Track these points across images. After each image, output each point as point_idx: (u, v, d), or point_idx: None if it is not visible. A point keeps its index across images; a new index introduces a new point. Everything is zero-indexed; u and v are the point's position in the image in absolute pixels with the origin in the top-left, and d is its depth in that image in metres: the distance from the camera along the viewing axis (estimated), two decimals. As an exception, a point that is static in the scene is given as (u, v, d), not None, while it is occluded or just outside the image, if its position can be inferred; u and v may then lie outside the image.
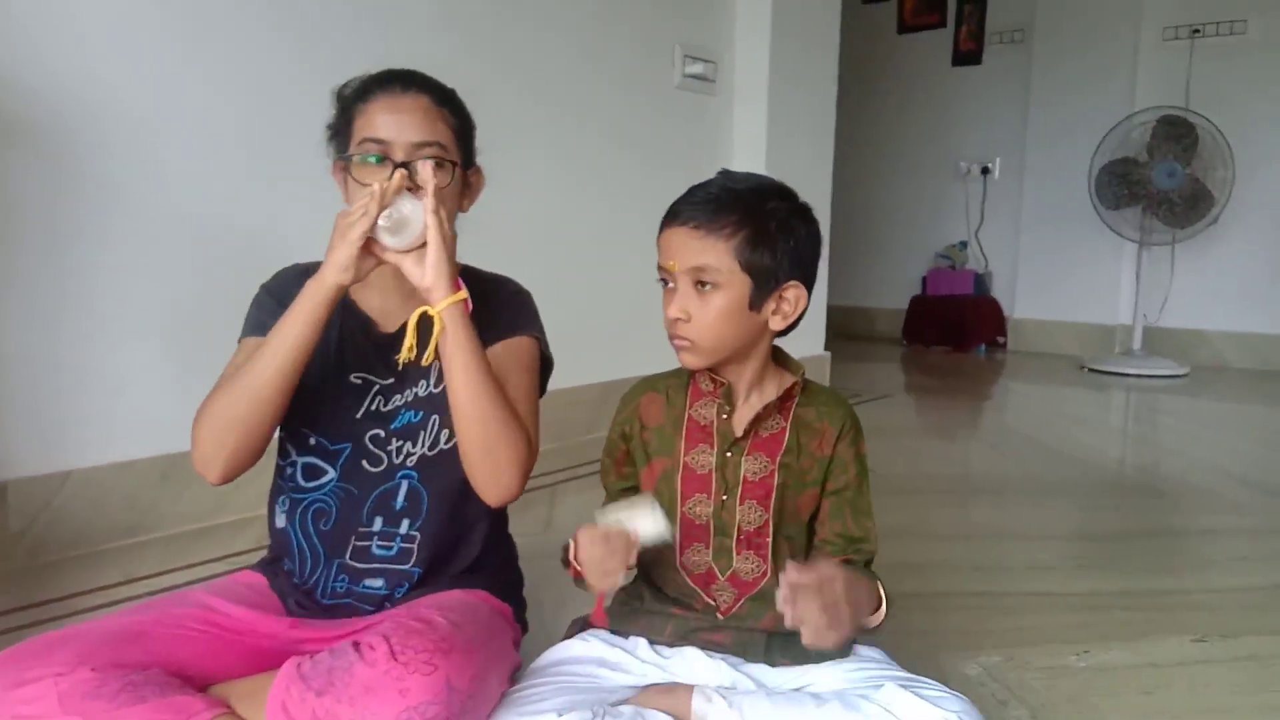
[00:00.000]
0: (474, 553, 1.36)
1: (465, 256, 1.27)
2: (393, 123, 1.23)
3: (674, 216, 1.20)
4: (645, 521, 1.12)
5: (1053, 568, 2.05)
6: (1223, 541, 2.27)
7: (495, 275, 1.40)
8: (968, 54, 5.96)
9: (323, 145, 1.32)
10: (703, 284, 1.18)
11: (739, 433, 1.24)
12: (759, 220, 1.18)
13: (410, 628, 1.09)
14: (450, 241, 1.19)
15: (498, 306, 1.35)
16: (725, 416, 1.25)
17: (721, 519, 1.25)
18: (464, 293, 1.20)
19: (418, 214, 1.16)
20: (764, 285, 1.19)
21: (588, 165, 3.14)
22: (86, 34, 1.94)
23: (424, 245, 1.17)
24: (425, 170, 1.20)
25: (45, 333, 1.94)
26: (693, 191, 1.22)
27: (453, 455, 1.27)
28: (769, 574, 1.25)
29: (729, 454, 1.25)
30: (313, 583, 1.31)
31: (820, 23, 3.99)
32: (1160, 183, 4.65)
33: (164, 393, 2.10)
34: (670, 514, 1.24)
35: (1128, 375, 4.79)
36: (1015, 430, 3.79)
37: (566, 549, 1.22)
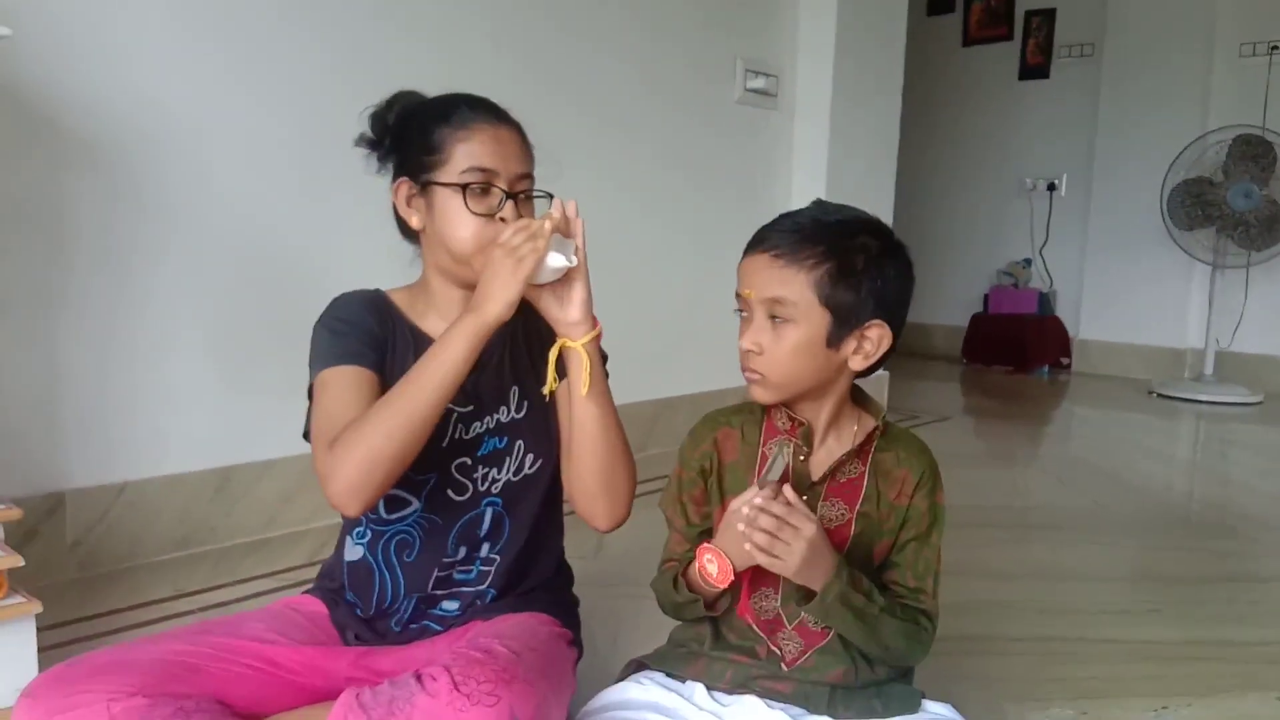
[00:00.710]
0: (545, 574, 1.37)
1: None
2: (498, 154, 1.24)
3: (758, 243, 1.15)
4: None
5: (1122, 612, 1.96)
6: (1305, 588, 2.17)
7: None
8: (1035, 68, 5.83)
9: (363, 159, 1.32)
10: (777, 317, 1.13)
11: (816, 477, 1.19)
12: (845, 255, 1.12)
13: (471, 658, 1.07)
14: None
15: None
16: (803, 459, 1.19)
17: None
18: (600, 327, 1.22)
19: (560, 262, 1.17)
20: (845, 323, 1.13)
21: (642, 180, 3.11)
22: (142, 58, 1.95)
23: (556, 280, 1.19)
24: (571, 208, 1.20)
25: (102, 348, 1.95)
26: (781, 219, 1.17)
27: (535, 479, 1.32)
28: None
29: (804, 498, 1.19)
30: (390, 617, 1.30)
31: (885, 36, 3.93)
32: (1236, 204, 4.50)
33: (215, 408, 2.10)
34: (738, 560, 1.20)
35: (1198, 402, 4.63)
36: (1079, 459, 3.67)
37: None
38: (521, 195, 1.26)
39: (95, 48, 1.88)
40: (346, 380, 1.20)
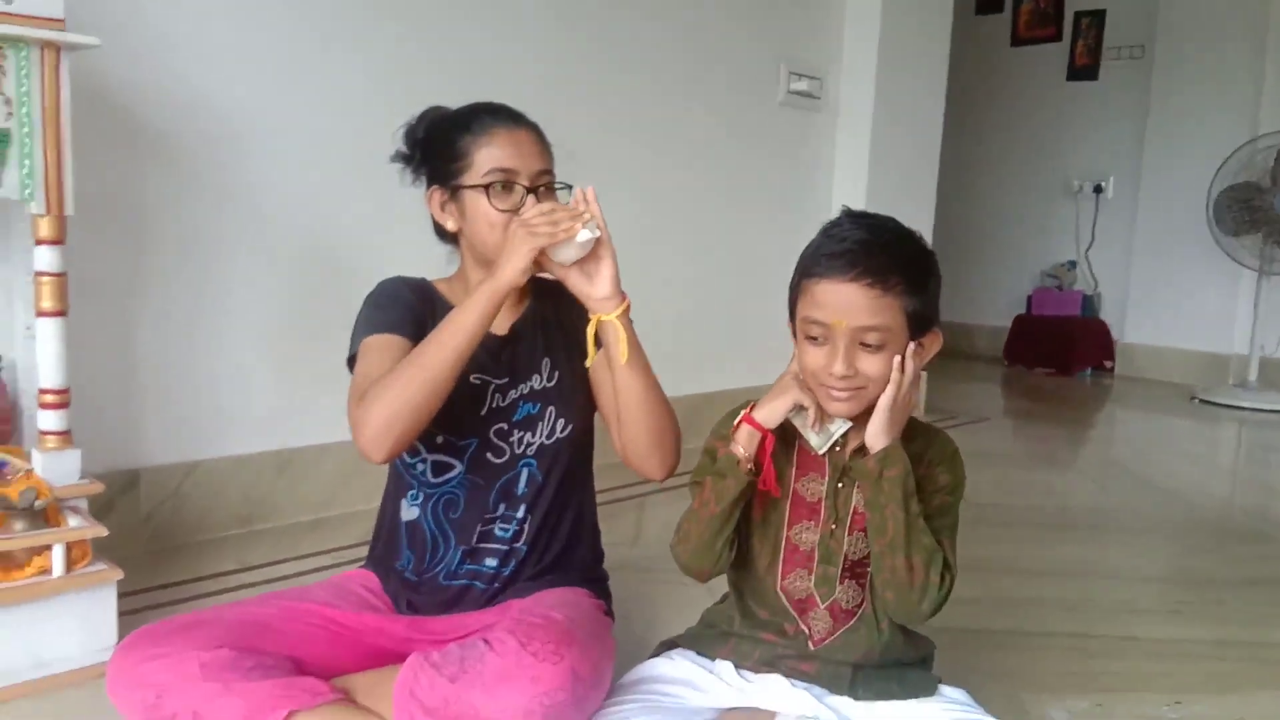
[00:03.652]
0: (568, 532, 1.47)
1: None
2: (517, 154, 1.36)
3: (835, 271, 1.16)
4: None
5: (1146, 611, 2.01)
6: (1331, 594, 2.19)
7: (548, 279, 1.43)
8: (1084, 69, 5.81)
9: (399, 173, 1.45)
10: (868, 341, 1.16)
11: (849, 458, 1.25)
12: (918, 272, 1.19)
13: (532, 623, 1.18)
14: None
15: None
16: (839, 449, 1.27)
17: (829, 547, 1.27)
18: (629, 300, 1.32)
19: (586, 235, 1.27)
20: (916, 335, 1.20)
21: (685, 180, 3.18)
22: (217, 61, 2.08)
23: (581, 260, 1.30)
24: (590, 193, 1.31)
25: (176, 334, 2.08)
26: (839, 240, 1.18)
27: (566, 442, 1.44)
28: (866, 603, 1.28)
29: (840, 484, 1.27)
30: (438, 567, 1.41)
31: (930, 38, 3.96)
32: (1284, 210, 4.47)
33: (279, 391, 2.23)
34: (775, 538, 1.28)
35: (1241, 409, 4.60)
36: (1117, 462, 3.69)
37: None
38: (542, 189, 1.37)
39: (176, 52, 2.01)
40: (384, 346, 1.32)
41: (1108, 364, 5.59)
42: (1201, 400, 4.78)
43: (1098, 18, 5.73)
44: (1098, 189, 5.68)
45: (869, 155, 3.71)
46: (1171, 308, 5.37)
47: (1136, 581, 2.21)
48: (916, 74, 3.90)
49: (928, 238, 4.14)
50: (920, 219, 3.93)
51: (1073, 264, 5.79)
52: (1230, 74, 5.10)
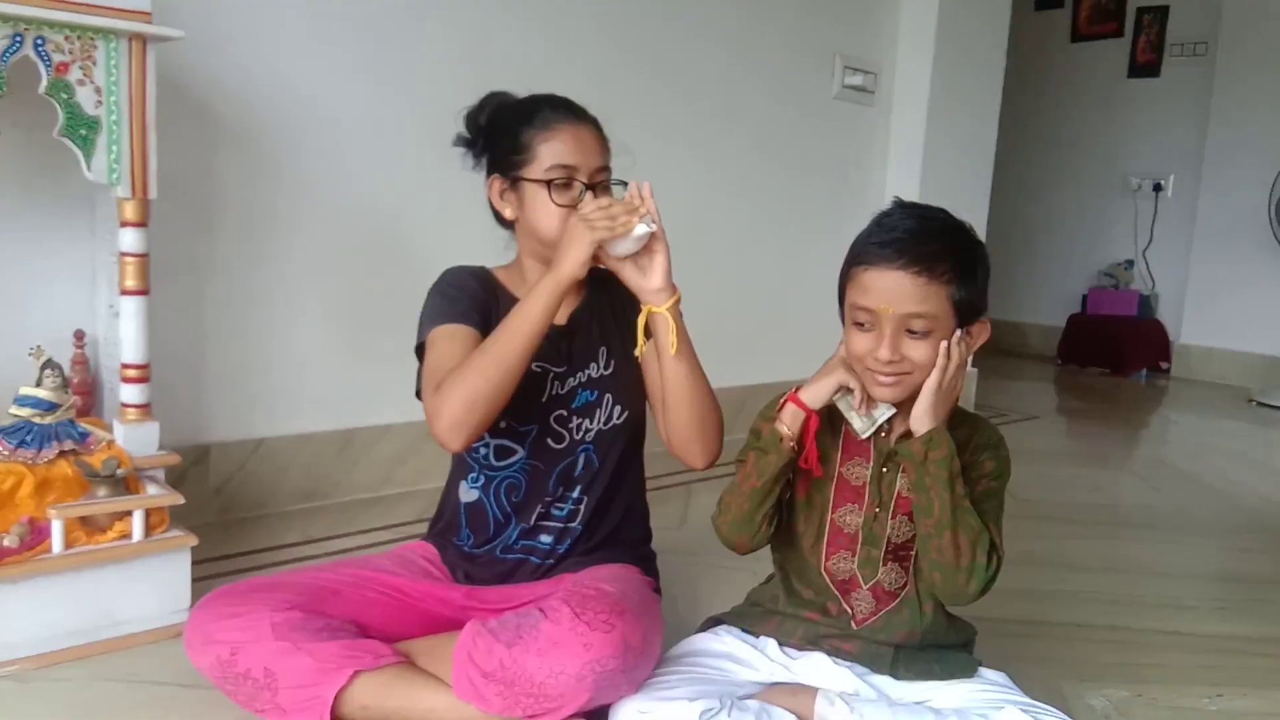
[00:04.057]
0: (620, 513, 1.52)
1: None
2: (578, 150, 1.40)
3: (884, 259, 1.20)
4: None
5: (1192, 608, 2.01)
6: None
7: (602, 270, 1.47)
8: (1145, 65, 5.72)
9: (461, 156, 1.50)
10: (915, 328, 1.20)
11: (894, 444, 1.29)
12: (966, 261, 1.22)
13: (586, 594, 1.24)
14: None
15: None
16: (884, 434, 1.31)
17: (872, 530, 1.31)
18: (679, 293, 1.37)
19: (643, 230, 1.32)
20: (964, 322, 1.23)
21: (736, 171, 3.21)
22: (283, 49, 2.15)
23: (635, 254, 1.35)
24: (646, 189, 1.35)
25: (242, 316, 2.16)
26: (890, 229, 1.22)
27: (622, 428, 1.49)
28: (910, 585, 1.31)
29: (885, 469, 1.31)
30: (495, 542, 1.47)
31: (987, 34, 3.93)
32: (1350, 210, 4.38)
33: (341, 372, 2.31)
34: (820, 520, 1.32)
35: (1299, 412, 4.53)
36: (1169, 463, 3.66)
37: None
38: (600, 185, 1.42)
39: (250, 43, 2.09)
40: (454, 336, 1.38)
41: (1163, 365, 5.51)
42: (1259, 403, 4.70)
43: (1160, 14, 5.64)
44: (1157, 187, 5.60)
45: (923, 151, 3.70)
46: (1230, 309, 5.28)
47: (1183, 579, 2.21)
48: (973, 69, 3.88)
49: (983, 234, 4.15)
50: (974, 216, 3.87)
51: (1130, 263, 5.71)
52: (1296, 71, 5.00)
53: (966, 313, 1.22)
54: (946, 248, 1.20)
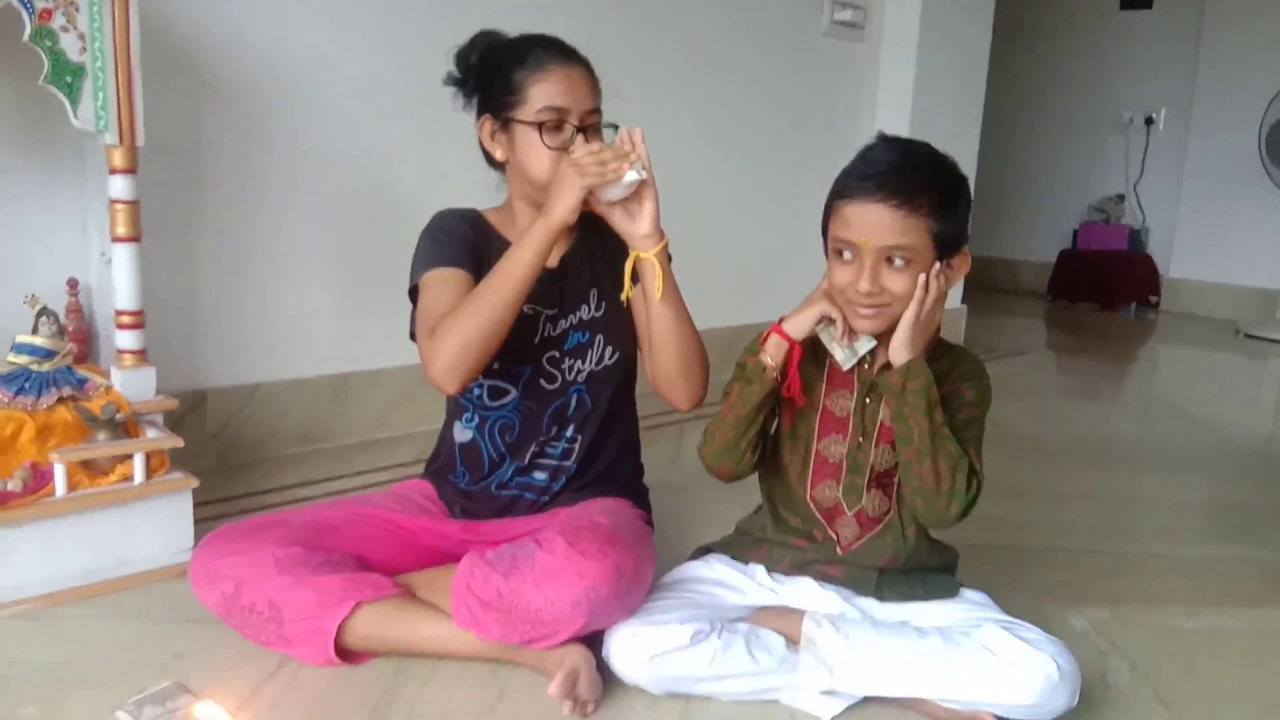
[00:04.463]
0: (613, 452, 1.55)
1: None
2: (569, 92, 1.40)
3: (864, 192, 1.22)
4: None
5: (1175, 533, 2.06)
6: (1361, 519, 2.22)
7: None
8: (1138, -2, 5.67)
9: (452, 96, 1.49)
10: (894, 260, 1.22)
11: (876, 373, 1.32)
12: (947, 194, 1.24)
13: (579, 526, 1.28)
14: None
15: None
16: (867, 366, 1.33)
17: (856, 459, 1.34)
18: (667, 238, 1.38)
19: (633, 176, 1.32)
20: (944, 254, 1.25)
21: (727, 111, 3.19)
22: (273, 3, 2.13)
23: (624, 199, 1.35)
24: (638, 134, 1.35)
25: (235, 264, 2.17)
26: (870, 163, 1.24)
27: (613, 369, 1.51)
28: (893, 511, 1.35)
29: (868, 400, 1.34)
30: (490, 479, 1.50)
31: (979, -34, 3.89)
32: (1340, 141, 4.38)
33: (335, 320, 2.32)
34: (806, 450, 1.35)
35: (1287, 343, 4.57)
36: (1158, 396, 3.70)
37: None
38: (591, 128, 1.42)
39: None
40: (447, 280, 1.39)
41: (1154, 299, 5.54)
42: (1247, 335, 4.74)
43: (1154, -55, 5.57)
44: (1149, 121, 5.58)
45: (913, 87, 3.68)
46: (1220, 242, 5.30)
47: (1169, 507, 2.25)
48: (964, 3, 3.85)
49: (972, 171, 4.15)
50: (964, 152, 3.90)
51: (1121, 198, 5.71)
52: (1289, 2, 4.96)
53: (947, 245, 1.24)
54: (927, 181, 1.22)
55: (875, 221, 1.21)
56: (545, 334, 1.48)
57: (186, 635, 1.41)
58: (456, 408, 1.53)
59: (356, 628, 1.27)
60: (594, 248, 1.52)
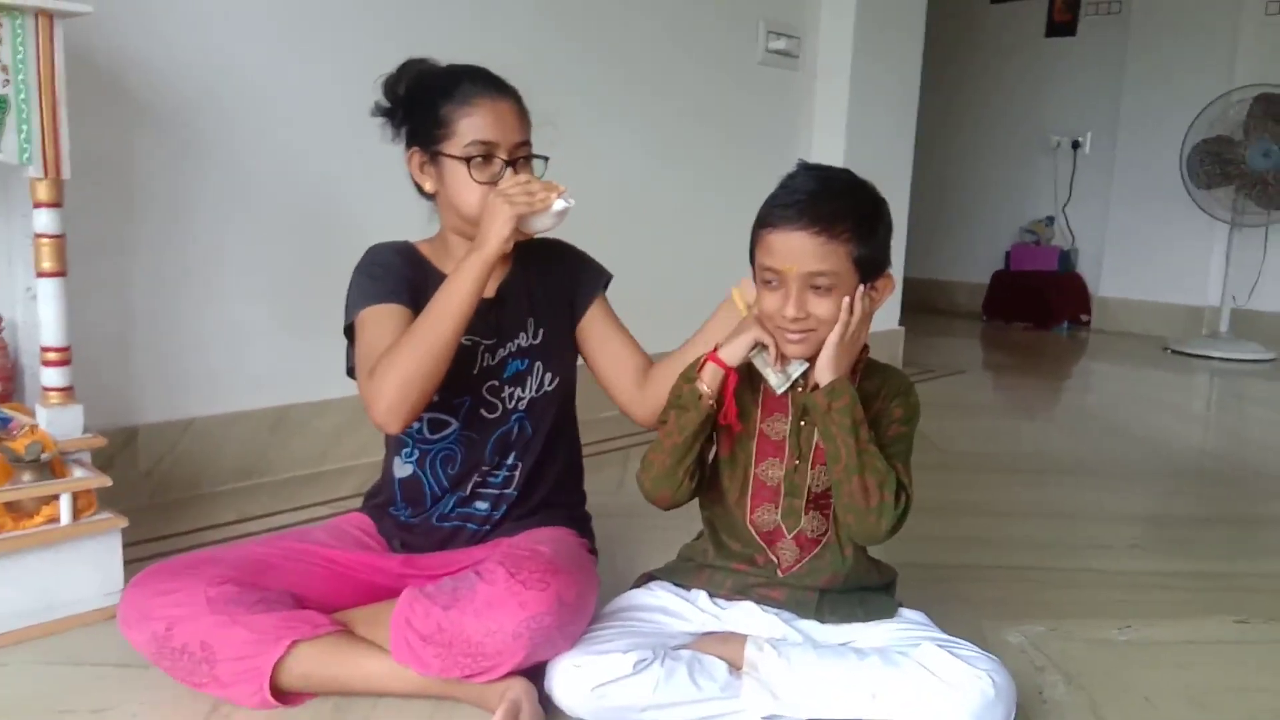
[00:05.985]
0: (555, 477, 1.54)
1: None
2: (498, 126, 1.40)
3: (786, 220, 1.25)
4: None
5: (1109, 547, 2.11)
6: (1284, 529, 2.30)
7: (545, 239, 1.50)
8: (1062, 25, 5.85)
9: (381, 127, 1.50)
10: (819, 286, 1.25)
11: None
12: (867, 220, 1.27)
13: (520, 555, 1.27)
14: None
15: (576, 261, 1.57)
16: (800, 389, 1.35)
17: (794, 482, 1.36)
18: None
19: (561, 205, 1.34)
20: (867, 278, 1.28)
21: (668, 139, 3.23)
22: (207, 24, 2.11)
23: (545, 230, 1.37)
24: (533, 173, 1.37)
25: (170, 295, 2.13)
26: (792, 191, 1.27)
27: (553, 395, 1.51)
28: (830, 531, 1.36)
29: (803, 423, 1.35)
30: (431, 511, 1.49)
31: (907, -2, 3.99)
32: (1255, 163, 4.55)
33: (273, 351, 2.29)
34: (744, 475, 1.37)
35: (1212, 359, 4.72)
36: (1092, 412, 3.80)
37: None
38: (520, 160, 1.42)
39: (161, 18, 2.04)
40: (384, 316, 1.38)
41: (1084, 318, 5.69)
42: (1174, 351, 4.89)
43: (1076, -27, 5.76)
44: (1075, 144, 5.75)
45: (847, 114, 3.76)
46: (1147, 261, 5.47)
47: (1102, 521, 2.30)
48: (895, 32, 3.94)
49: (905, 195, 4.25)
50: (898, 176, 3.99)
51: (1051, 220, 5.87)
52: (1206, 29, 5.16)
53: (868, 269, 1.27)
54: (846, 207, 1.25)
55: (798, 249, 1.24)
56: (484, 364, 1.47)
57: (118, 679, 1.37)
58: (397, 443, 1.51)
59: (293, 667, 1.25)
60: (530, 274, 1.53)
